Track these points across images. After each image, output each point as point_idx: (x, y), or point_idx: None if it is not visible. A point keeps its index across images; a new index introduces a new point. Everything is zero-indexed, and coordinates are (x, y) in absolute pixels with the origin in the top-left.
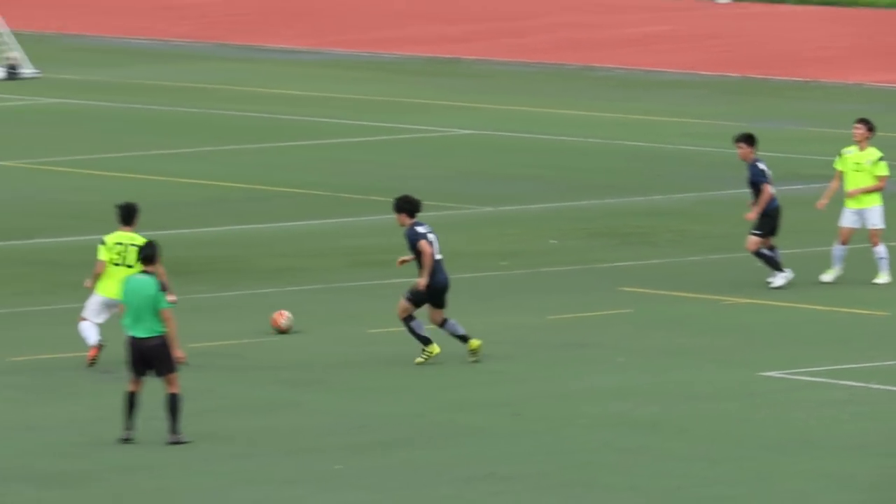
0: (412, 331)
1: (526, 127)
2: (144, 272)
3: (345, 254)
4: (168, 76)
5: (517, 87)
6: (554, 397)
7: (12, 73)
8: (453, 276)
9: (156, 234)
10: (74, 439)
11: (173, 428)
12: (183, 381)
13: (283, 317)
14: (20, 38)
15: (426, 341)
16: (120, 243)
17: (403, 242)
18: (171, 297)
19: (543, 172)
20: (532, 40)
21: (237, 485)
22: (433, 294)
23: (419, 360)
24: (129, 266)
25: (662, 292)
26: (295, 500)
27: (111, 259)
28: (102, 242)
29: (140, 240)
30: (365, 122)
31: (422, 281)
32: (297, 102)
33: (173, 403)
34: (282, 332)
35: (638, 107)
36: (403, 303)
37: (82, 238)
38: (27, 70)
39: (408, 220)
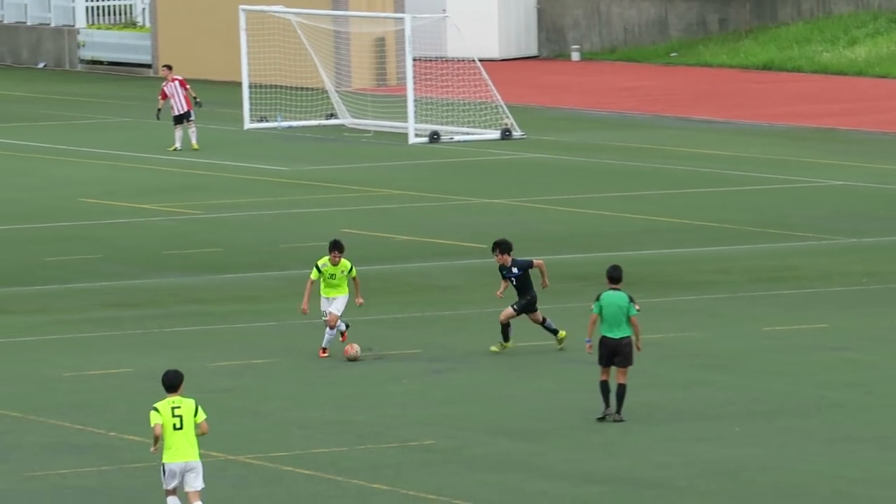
0: (546, 327)
1: (883, 180)
2: (615, 289)
3: (746, 271)
4: (618, 139)
5: (878, 151)
6: None
7: (506, 135)
8: (827, 290)
9: (607, 256)
10: (539, 406)
11: (619, 409)
12: None
13: (354, 348)
14: (512, 109)
15: (555, 332)
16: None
17: (790, 264)
18: (637, 306)
19: (894, 213)
20: (891, 116)
21: (660, 441)
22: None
23: (559, 347)
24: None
25: None
26: (700, 453)
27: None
28: (318, 268)
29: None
30: (763, 175)
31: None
32: (713, 159)
33: (622, 391)
34: (352, 359)
35: None
36: (509, 311)
37: (555, 257)
38: (516, 133)
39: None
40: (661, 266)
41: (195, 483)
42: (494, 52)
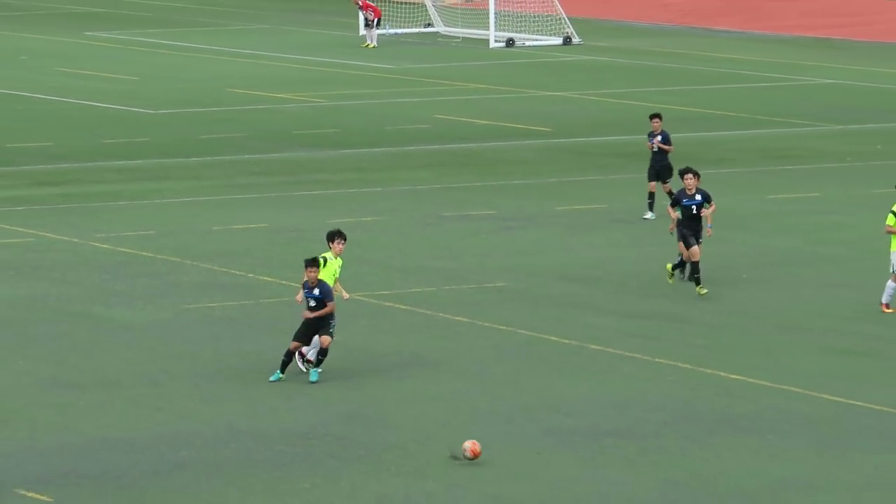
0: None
1: (867, 79)
2: None
3: (757, 151)
4: (657, 45)
5: (864, 56)
6: None
7: (567, 41)
8: (820, 166)
9: (646, 138)
10: (591, 256)
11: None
12: None
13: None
14: (572, 20)
15: None
16: None
17: (791, 145)
18: None
19: (874, 106)
20: (876, 28)
21: (687, 284)
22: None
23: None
24: None
25: None
26: (716, 296)
27: None
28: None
29: None
30: (772, 74)
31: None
32: (733, 62)
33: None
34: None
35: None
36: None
37: (607, 138)
38: (575, 39)
39: None
40: (690, 147)
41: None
42: None
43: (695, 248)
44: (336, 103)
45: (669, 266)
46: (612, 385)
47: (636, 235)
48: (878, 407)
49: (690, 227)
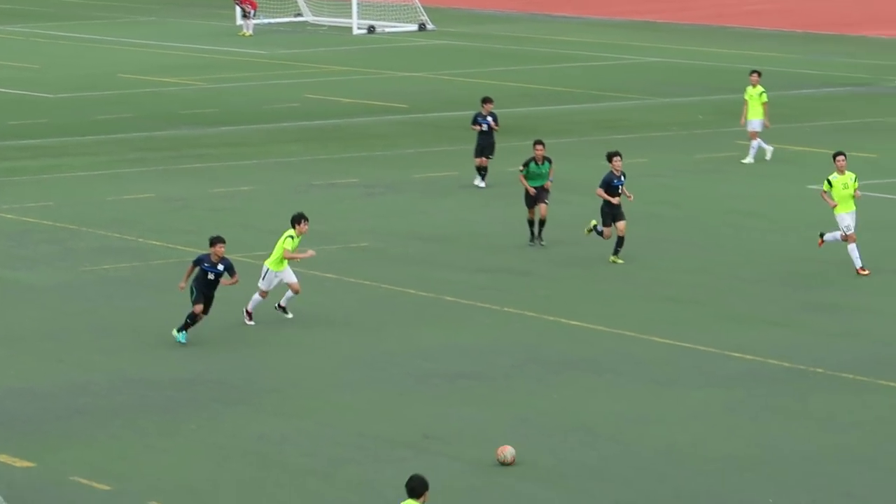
0: None
1: (689, 57)
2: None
3: (591, 122)
4: (503, 31)
5: (688, 38)
6: None
7: (422, 27)
8: (648, 135)
9: (495, 111)
10: (445, 219)
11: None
12: None
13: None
14: (426, 8)
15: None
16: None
17: (622, 117)
18: None
19: (694, 81)
20: (696, 13)
21: (532, 244)
22: None
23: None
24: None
25: None
26: (559, 253)
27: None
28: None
29: None
30: (605, 54)
31: None
32: (570, 44)
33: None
34: (505, 462)
35: (722, 51)
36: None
37: (458, 113)
38: (429, 26)
39: None
40: (534, 120)
41: (291, 278)
42: None
43: (622, 223)
44: (216, 86)
45: (593, 222)
46: (466, 332)
47: (484, 199)
48: (701, 347)
49: (613, 206)
